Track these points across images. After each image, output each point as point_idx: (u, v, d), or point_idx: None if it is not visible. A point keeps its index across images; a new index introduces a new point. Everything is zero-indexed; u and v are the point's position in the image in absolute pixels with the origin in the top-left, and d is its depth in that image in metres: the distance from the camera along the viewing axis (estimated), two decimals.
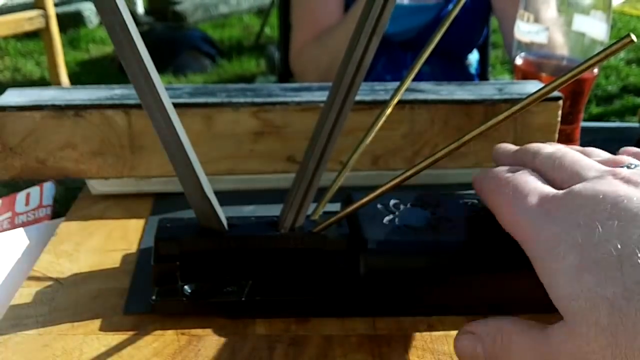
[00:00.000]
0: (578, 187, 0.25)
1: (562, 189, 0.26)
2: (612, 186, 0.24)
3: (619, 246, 0.22)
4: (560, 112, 0.44)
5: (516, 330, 0.25)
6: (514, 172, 0.29)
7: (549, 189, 0.27)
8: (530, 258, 0.26)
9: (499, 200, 0.28)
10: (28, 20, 2.00)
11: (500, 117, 0.27)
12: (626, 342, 0.20)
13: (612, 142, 0.60)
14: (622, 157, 0.29)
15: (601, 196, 0.24)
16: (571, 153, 0.29)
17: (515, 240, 0.27)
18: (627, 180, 0.25)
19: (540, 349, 0.24)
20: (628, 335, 0.21)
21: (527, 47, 0.54)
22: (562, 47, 0.54)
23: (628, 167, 0.27)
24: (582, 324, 0.22)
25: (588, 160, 0.28)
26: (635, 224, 0.22)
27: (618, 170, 0.26)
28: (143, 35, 0.28)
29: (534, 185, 0.27)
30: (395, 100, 0.34)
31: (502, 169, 0.30)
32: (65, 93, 0.43)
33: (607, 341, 0.21)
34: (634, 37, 0.23)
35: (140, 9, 3.59)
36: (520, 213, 0.26)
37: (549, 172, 0.28)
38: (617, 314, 0.21)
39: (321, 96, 0.43)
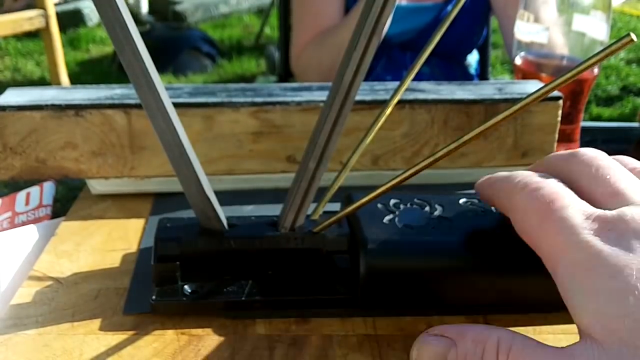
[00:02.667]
0: (630, 210, 0.24)
1: (602, 206, 0.25)
2: None
3: None
4: (560, 112, 0.44)
5: (522, 347, 0.24)
6: (541, 177, 0.27)
7: (590, 207, 0.25)
8: (554, 272, 0.25)
9: (526, 205, 0.26)
10: (28, 20, 2.00)
11: (500, 117, 0.27)
12: None
13: (612, 142, 0.60)
14: None
15: None
16: (613, 166, 0.27)
17: (532, 249, 0.26)
18: None
19: None
20: None
21: (527, 47, 0.55)
22: (562, 47, 0.54)
23: None
24: (621, 345, 0.22)
25: (631, 179, 0.26)
26: None
27: None
28: (143, 35, 0.28)
29: (572, 198, 0.25)
30: (395, 100, 0.34)
31: (526, 173, 0.28)
32: (66, 93, 0.43)
33: None
34: (634, 36, 0.23)
35: (144, 7, 3.60)
36: (555, 225, 0.25)
37: (584, 180, 0.27)
38: None
39: (321, 96, 0.43)
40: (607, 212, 0.24)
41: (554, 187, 0.26)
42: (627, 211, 0.24)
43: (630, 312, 0.22)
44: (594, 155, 0.28)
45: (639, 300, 0.21)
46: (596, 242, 0.23)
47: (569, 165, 0.28)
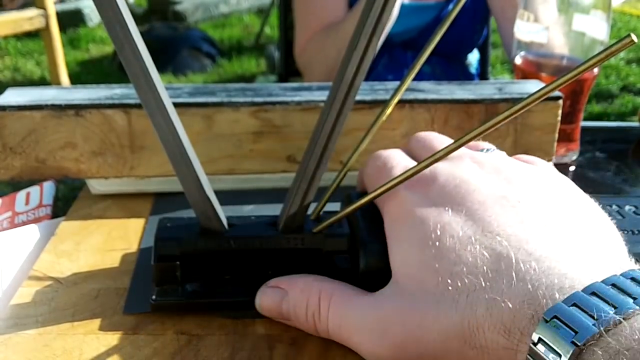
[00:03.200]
0: (442, 165, 0.29)
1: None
2: (467, 171, 0.28)
3: (460, 233, 0.25)
4: (560, 112, 0.44)
5: (341, 294, 0.28)
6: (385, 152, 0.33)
7: (414, 163, 0.30)
8: (385, 223, 0.29)
9: (370, 170, 0.32)
10: (28, 19, 2.00)
11: (500, 117, 0.27)
12: (446, 305, 0.24)
13: (612, 142, 0.60)
14: (481, 142, 0.33)
15: (458, 181, 0.27)
16: (440, 138, 0.33)
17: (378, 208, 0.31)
18: (482, 165, 0.28)
19: (374, 309, 0.27)
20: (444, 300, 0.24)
21: (527, 46, 0.54)
22: (562, 47, 0.54)
23: (487, 150, 0.32)
24: (416, 287, 0.25)
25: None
26: (478, 213, 0.25)
27: (476, 154, 0.30)
28: (143, 35, 0.28)
29: (400, 158, 0.31)
30: (396, 100, 0.34)
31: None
32: (66, 93, 0.43)
33: (432, 302, 0.24)
34: (634, 37, 0.23)
35: None
36: (383, 182, 0.29)
37: (419, 152, 0.33)
38: (441, 283, 0.24)
39: (321, 96, 0.43)
40: (425, 170, 0.28)
41: (389, 154, 0.32)
42: (439, 166, 0.29)
43: (425, 260, 0.25)
44: (427, 134, 0.34)
45: (431, 250, 0.25)
46: (408, 195, 0.28)
47: (410, 143, 0.34)
